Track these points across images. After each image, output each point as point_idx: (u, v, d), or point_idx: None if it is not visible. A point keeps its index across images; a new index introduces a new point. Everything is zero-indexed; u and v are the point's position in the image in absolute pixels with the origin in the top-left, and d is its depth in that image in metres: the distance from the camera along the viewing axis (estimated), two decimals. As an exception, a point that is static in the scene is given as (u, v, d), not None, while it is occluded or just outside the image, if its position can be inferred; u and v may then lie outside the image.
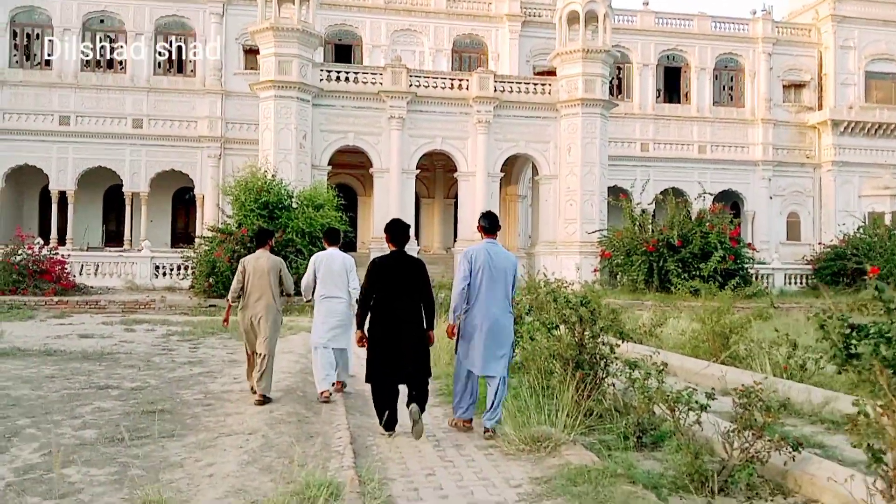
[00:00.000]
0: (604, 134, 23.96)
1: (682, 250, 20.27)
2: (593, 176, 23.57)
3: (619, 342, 6.01)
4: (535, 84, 24.25)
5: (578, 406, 5.32)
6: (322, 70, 22.72)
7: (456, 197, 26.66)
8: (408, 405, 5.33)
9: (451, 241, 27.04)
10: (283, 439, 5.13)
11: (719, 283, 19.41)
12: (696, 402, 4.36)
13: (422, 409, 5.39)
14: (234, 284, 6.88)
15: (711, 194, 26.43)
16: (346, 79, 22.81)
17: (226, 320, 7.17)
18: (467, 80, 23.55)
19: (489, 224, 5.73)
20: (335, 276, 7.10)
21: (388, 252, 5.70)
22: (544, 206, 24.56)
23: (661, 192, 25.66)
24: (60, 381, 7.43)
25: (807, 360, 7.57)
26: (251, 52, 26.70)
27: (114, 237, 28.29)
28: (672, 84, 32.36)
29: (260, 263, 6.86)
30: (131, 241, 26.86)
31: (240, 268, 6.93)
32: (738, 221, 21.87)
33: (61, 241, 26.03)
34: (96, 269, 19.77)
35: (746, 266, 21.47)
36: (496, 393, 5.43)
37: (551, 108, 23.95)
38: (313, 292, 7.26)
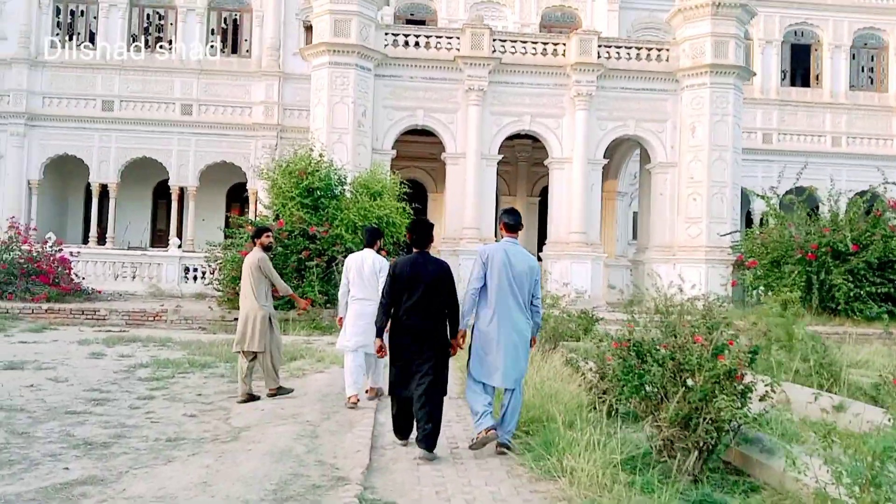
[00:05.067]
0: (738, 110, 18.89)
1: (853, 258, 15.28)
2: (724, 163, 18.56)
3: None
4: (649, 49, 19.41)
5: None
6: (387, 33, 18.76)
7: (541, 195, 22.24)
8: (417, 441, 4.99)
9: (536, 245, 22.66)
10: None
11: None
12: None
13: (433, 444, 4.96)
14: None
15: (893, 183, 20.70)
16: (416, 44, 18.70)
17: None
18: (564, 45, 18.96)
19: (514, 221, 5.41)
20: (365, 278, 6.83)
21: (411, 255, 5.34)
22: (658, 202, 19.68)
23: (788, 192, 20.37)
24: None
25: None
26: (312, 30, 23.35)
27: (162, 237, 25.61)
28: (800, 64, 27.08)
29: (246, 261, 6.97)
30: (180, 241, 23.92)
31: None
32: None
33: (101, 239, 23.39)
34: (112, 272, 16.49)
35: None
36: (510, 404, 5.27)
37: (669, 79, 19.12)
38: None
